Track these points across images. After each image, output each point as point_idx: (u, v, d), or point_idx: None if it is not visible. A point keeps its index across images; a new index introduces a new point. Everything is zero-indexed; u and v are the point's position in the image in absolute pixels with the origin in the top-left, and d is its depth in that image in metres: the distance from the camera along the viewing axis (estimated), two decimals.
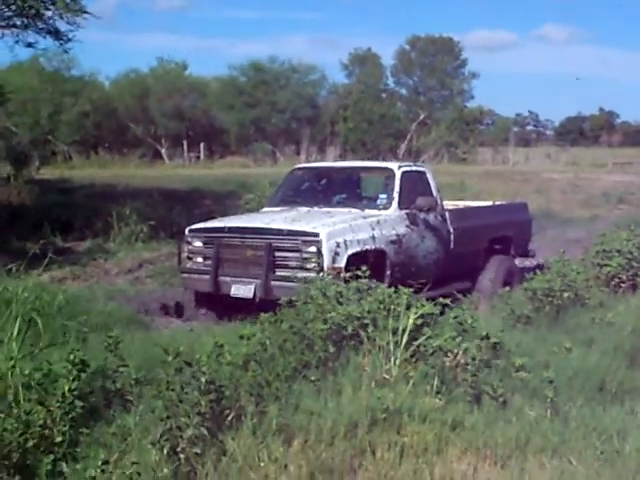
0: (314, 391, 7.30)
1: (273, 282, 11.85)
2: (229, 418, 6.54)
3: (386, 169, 14.37)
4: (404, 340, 8.07)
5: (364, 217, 12.87)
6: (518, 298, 11.90)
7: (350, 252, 11.92)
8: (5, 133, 32.06)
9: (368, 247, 12.31)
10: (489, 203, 18.03)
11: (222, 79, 65.66)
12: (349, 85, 70.15)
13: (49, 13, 19.56)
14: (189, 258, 13.26)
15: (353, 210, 13.32)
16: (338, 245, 11.79)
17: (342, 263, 11.71)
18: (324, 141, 61.91)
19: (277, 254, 12.05)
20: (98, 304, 11.82)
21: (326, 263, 11.59)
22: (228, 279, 12.38)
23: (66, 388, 6.30)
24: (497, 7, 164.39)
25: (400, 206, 13.38)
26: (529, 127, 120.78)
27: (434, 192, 14.12)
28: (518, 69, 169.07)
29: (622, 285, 13.23)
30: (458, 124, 62.60)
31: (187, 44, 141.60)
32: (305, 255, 11.85)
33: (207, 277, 12.54)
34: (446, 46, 74.56)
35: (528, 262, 16.65)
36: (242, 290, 12.13)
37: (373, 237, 12.47)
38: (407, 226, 13.29)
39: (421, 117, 63.18)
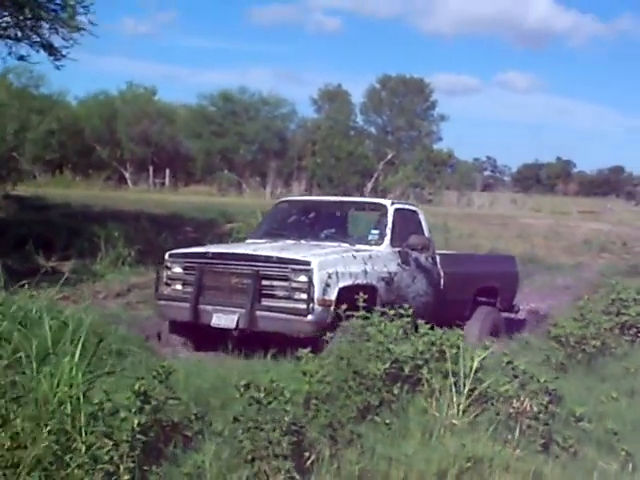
0: (383, 434, 6.82)
1: (258, 312, 11.16)
2: (309, 461, 5.98)
3: (378, 205, 13.91)
4: (467, 385, 7.63)
5: (356, 251, 12.33)
6: (536, 343, 11.64)
7: (341, 285, 11.34)
8: None
9: (359, 281, 11.72)
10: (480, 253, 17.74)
11: (191, 107, 65.24)
12: (318, 120, 69.92)
13: (46, 26, 18.87)
14: (167, 284, 12.54)
15: (343, 244, 12.80)
16: (329, 276, 11.19)
17: (333, 296, 11.16)
18: (290, 174, 61.62)
19: (264, 282, 11.34)
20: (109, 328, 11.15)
21: (316, 294, 10.99)
22: (209, 308, 11.60)
23: (135, 422, 5.69)
24: (461, 51, 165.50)
25: (392, 243, 12.90)
26: (486, 172, 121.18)
27: (425, 232, 13.71)
28: (478, 114, 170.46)
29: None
30: (426, 165, 62.57)
31: (152, 70, 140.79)
32: (294, 284, 11.18)
33: (186, 305, 11.75)
34: (417, 87, 74.74)
35: (512, 316, 16.25)
36: (224, 320, 11.38)
37: (365, 272, 11.94)
38: (399, 264, 12.81)
39: (389, 156, 63.02)
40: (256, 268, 11.35)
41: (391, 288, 12.40)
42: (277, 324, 11.00)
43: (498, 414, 7.50)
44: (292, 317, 10.96)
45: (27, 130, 45.07)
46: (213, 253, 12.25)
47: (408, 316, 8.96)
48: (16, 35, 19.26)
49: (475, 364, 7.73)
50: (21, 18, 18.70)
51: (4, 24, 19.11)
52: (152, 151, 58.74)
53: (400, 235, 12.98)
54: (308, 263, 11.14)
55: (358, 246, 12.66)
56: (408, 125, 74.41)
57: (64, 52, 19.23)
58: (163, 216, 26.86)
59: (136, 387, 5.93)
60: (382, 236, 12.91)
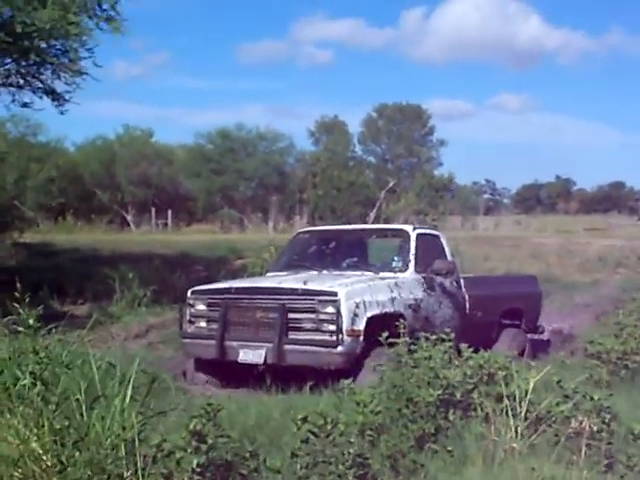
0: (444, 462, 6.57)
1: (286, 346, 10.94)
2: None
3: (401, 231, 13.76)
4: (525, 407, 7.36)
5: (381, 279, 12.13)
6: (573, 362, 11.38)
7: (369, 314, 11.13)
8: None
9: (387, 310, 11.53)
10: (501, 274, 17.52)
11: (188, 147, 65.23)
12: (316, 153, 69.87)
13: (48, 73, 18.74)
14: (191, 322, 12.34)
15: (367, 273, 12.57)
16: (357, 306, 10.97)
17: (361, 326, 10.95)
18: (292, 208, 61.48)
19: (290, 315, 11.12)
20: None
21: (345, 325, 10.77)
22: (235, 344, 11.41)
23: (194, 462, 5.44)
24: (454, 77, 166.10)
25: (416, 269, 12.68)
26: (486, 195, 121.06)
27: (448, 256, 13.52)
28: (474, 138, 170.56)
29: None
30: (427, 191, 62.36)
31: (146, 112, 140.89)
32: (322, 316, 10.97)
33: (212, 342, 11.57)
34: (414, 114, 74.88)
35: (536, 337, 16.00)
36: (251, 355, 11.18)
37: (392, 300, 11.73)
38: (424, 290, 12.61)
39: (390, 185, 62.77)
40: (282, 301, 11.15)
41: (418, 315, 12.18)
42: (306, 357, 10.79)
43: (556, 435, 7.24)
44: (321, 349, 10.78)
45: (27, 178, 45.10)
46: (237, 288, 12.04)
47: (450, 340, 8.69)
48: (18, 82, 19.17)
49: (531, 386, 7.46)
50: (24, 64, 18.57)
51: (6, 72, 19.01)
52: (153, 193, 58.72)
53: (424, 260, 12.78)
54: (335, 294, 10.93)
55: (382, 274, 12.48)
56: (407, 152, 74.57)
57: (67, 97, 19.11)
58: (172, 256, 26.71)
59: (191, 426, 5.68)
60: (406, 262, 12.72)
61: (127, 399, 5.99)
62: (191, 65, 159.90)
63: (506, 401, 7.43)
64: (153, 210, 55.34)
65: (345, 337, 10.68)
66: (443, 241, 13.67)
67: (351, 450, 5.67)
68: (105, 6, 17.26)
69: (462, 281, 13.51)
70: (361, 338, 10.81)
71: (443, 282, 12.97)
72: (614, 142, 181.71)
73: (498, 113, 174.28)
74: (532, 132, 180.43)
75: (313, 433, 6.00)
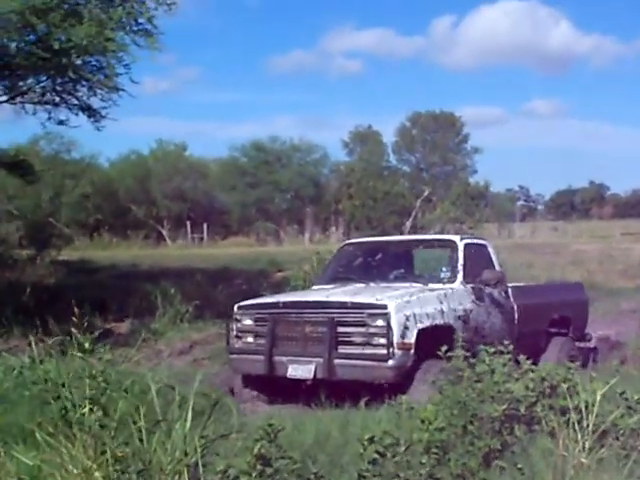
0: (512, 479, 6.36)
1: (337, 360, 10.70)
2: None
3: (448, 241, 13.45)
4: (592, 420, 7.13)
5: (430, 290, 11.88)
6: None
7: (420, 326, 10.88)
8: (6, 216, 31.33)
9: (437, 322, 11.27)
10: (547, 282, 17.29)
11: (223, 160, 65.34)
12: (351, 163, 69.85)
13: (84, 89, 18.69)
14: (238, 337, 12.12)
15: (415, 284, 12.31)
16: (407, 318, 10.72)
17: (412, 339, 10.71)
18: (327, 220, 61.40)
19: (339, 329, 10.89)
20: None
21: (396, 338, 10.52)
22: (284, 359, 11.16)
23: None
24: (486, 84, 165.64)
25: (465, 279, 12.40)
26: (520, 202, 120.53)
27: (496, 265, 13.27)
28: (507, 144, 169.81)
29: None
30: (463, 199, 62.08)
31: (179, 127, 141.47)
32: (372, 330, 10.72)
33: (260, 357, 11.35)
34: (447, 122, 74.72)
35: (583, 344, 15.73)
36: (300, 371, 10.94)
37: (442, 311, 11.45)
38: (473, 301, 12.29)
39: (425, 193, 62.58)
40: (331, 315, 10.95)
41: (468, 326, 11.87)
42: (357, 372, 10.59)
43: (624, 448, 7.01)
44: (372, 363, 10.58)
45: (62, 195, 45.41)
46: (284, 302, 11.86)
47: (509, 352, 8.47)
48: (54, 100, 19.16)
49: (597, 398, 7.22)
50: (60, 81, 18.55)
51: (42, 89, 19.02)
52: (188, 207, 58.86)
53: (472, 271, 12.53)
54: (385, 307, 10.73)
55: (430, 285, 12.22)
56: (442, 160, 74.45)
57: (103, 113, 19.06)
58: (212, 270, 26.63)
59: (256, 450, 5.51)
60: (454, 273, 12.47)
61: (188, 423, 5.82)
62: (222, 79, 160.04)
63: (572, 414, 7.22)
64: (188, 224, 55.44)
65: (396, 350, 10.47)
66: (490, 250, 13.44)
67: (422, 471, 5.47)
68: (141, 20, 17.14)
69: (510, 290, 13.25)
70: (412, 351, 10.61)
71: (492, 292, 12.74)
72: None
73: (530, 119, 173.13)
74: (565, 137, 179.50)
75: (379, 453, 5.81)
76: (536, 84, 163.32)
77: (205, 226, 55.71)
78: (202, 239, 55.28)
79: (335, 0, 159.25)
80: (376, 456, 5.89)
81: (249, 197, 61.17)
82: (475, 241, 13.62)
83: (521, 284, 15.36)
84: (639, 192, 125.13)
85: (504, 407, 7.16)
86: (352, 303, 11.07)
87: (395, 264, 13.74)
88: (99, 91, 18.49)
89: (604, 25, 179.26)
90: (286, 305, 11.74)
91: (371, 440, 5.89)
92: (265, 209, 62.00)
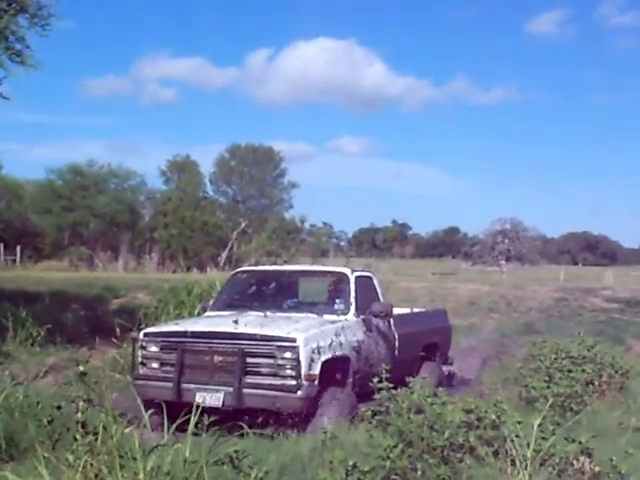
0: None
1: (246, 390, 10.95)
2: None
3: (340, 274, 13.88)
4: (530, 448, 7.52)
5: (330, 323, 12.29)
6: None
7: (323, 359, 11.32)
8: None
9: (337, 353, 11.79)
10: (420, 309, 17.93)
11: (38, 182, 63.66)
12: (168, 192, 69.48)
13: None
14: (143, 364, 12.14)
15: (311, 315, 12.74)
16: (313, 351, 11.16)
17: (317, 370, 11.15)
18: (142, 247, 60.82)
19: (248, 360, 11.15)
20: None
21: (304, 370, 10.92)
22: (192, 386, 11.28)
23: None
24: (295, 119, 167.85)
25: (356, 311, 12.92)
26: (324, 239, 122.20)
27: (381, 297, 13.87)
28: (313, 180, 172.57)
29: (595, 391, 13.08)
30: (279, 233, 62.82)
31: None
32: (280, 361, 11.05)
33: (167, 384, 11.44)
34: (266, 155, 75.35)
35: (445, 369, 16.45)
36: (209, 398, 11.02)
37: (340, 343, 11.94)
38: (364, 332, 12.88)
39: (242, 226, 62.91)
40: (240, 346, 11.14)
41: (360, 357, 12.43)
42: (265, 401, 10.82)
43: (559, 476, 7.45)
44: (281, 394, 10.84)
45: None
46: (193, 332, 11.88)
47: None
48: None
49: (535, 428, 7.61)
50: None
51: None
52: (1, 228, 57.02)
53: (362, 303, 13.06)
54: (294, 340, 11.03)
55: (325, 316, 12.66)
56: (259, 193, 75.04)
57: None
58: (48, 294, 25.92)
59: None
60: (347, 305, 12.94)
61: (188, 448, 5.85)
62: (31, 100, 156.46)
63: (510, 444, 7.58)
64: (1, 246, 53.80)
65: (304, 382, 10.82)
66: (376, 282, 14.01)
67: None
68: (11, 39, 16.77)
69: (392, 320, 13.72)
70: (316, 382, 10.99)
71: (378, 323, 13.26)
72: (450, 188, 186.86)
73: (338, 156, 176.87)
74: (371, 176, 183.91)
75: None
76: (347, 122, 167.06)
77: (19, 248, 54.22)
78: (15, 261, 53.71)
79: (150, 27, 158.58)
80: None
81: (64, 220, 59.87)
82: (363, 274, 14.09)
83: (399, 312, 15.81)
84: (440, 233, 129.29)
85: (446, 436, 7.46)
86: (261, 335, 11.25)
87: (285, 293, 14.20)
88: None
89: (417, 68, 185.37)
90: (195, 334, 11.79)
91: (354, 466, 6.05)
92: (79, 234, 60.86)
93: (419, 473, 6.89)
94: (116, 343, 14.45)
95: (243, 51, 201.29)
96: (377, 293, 13.86)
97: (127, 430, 6.12)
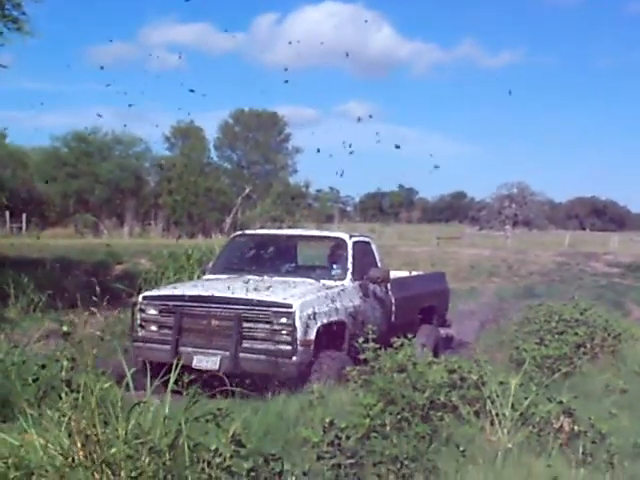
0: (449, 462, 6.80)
1: (242, 354, 11.08)
2: None
3: (337, 239, 14.00)
4: (509, 407, 7.68)
5: (327, 288, 12.37)
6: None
7: (319, 324, 11.44)
8: None
9: (333, 319, 11.89)
10: (418, 273, 17.93)
11: (43, 150, 63.62)
12: (172, 158, 69.39)
13: None
14: (141, 326, 12.24)
15: (308, 280, 12.77)
16: (309, 317, 11.26)
17: (313, 335, 11.27)
18: (147, 213, 60.92)
19: (245, 325, 11.27)
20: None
21: (299, 336, 11.03)
22: (189, 350, 11.42)
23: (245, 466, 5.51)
24: (301, 83, 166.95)
25: (353, 277, 12.99)
26: (329, 203, 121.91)
27: (378, 262, 13.89)
28: (319, 145, 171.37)
29: (586, 353, 13.19)
30: (284, 198, 62.80)
31: None
32: (276, 327, 11.18)
33: (166, 347, 11.59)
34: (270, 121, 75.19)
35: (443, 331, 16.52)
36: (205, 362, 11.21)
37: (336, 309, 12.04)
38: (361, 297, 12.95)
39: (246, 191, 62.93)
40: (237, 311, 11.28)
41: (356, 322, 12.46)
42: (261, 366, 10.95)
43: (539, 435, 7.59)
44: (277, 359, 10.96)
45: None
46: (190, 296, 11.98)
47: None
48: None
49: (512, 388, 7.77)
50: None
51: None
52: (6, 196, 57.05)
53: (359, 268, 13.11)
54: (290, 306, 11.14)
55: (322, 281, 12.71)
56: (263, 159, 74.94)
57: None
58: (51, 260, 26.08)
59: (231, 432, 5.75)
60: (345, 270, 13.03)
61: (167, 404, 6.00)
62: (37, 67, 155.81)
63: (490, 404, 7.73)
64: (7, 214, 53.93)
65: (299, 347, 10.95)
66: (374, 247, 14.07)
67: (388, 452, 5.81)
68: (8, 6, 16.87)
69: (389, 285, 13.81)
70: (312, 347, 11.12)
71: (375, 288, 13.35)
72: (456, 153, 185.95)
73: (344, 120, 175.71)
74: (377, 140, 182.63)
75: (337, 437, 6.14)
76: (353, 87, 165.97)
77: (24, 216, 54.39)
78: (21, 229, 53.91)
79: None
80: (334, 439, 6.20)
81: (69, 188, 60.00)
82: (361, 239, 14.14)
83: (396, 276, 15.88)
84: (446, 198, 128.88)
85: (426, 395, 7.61)
86: (258, 301, 11.35)
87: (283, 257, 14.26)
88: None
89: (426, 32, 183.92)
90: (192, 298, 11.89)
91: (331, 423, 6.19)
92: (85, 201, 60.96)
93: (399, 431, 7.03)
94: (114, 307, 14.57)
95: (250, 16, 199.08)
96: (375, 258, 13.89)
97: (106, 386, 6.19)
